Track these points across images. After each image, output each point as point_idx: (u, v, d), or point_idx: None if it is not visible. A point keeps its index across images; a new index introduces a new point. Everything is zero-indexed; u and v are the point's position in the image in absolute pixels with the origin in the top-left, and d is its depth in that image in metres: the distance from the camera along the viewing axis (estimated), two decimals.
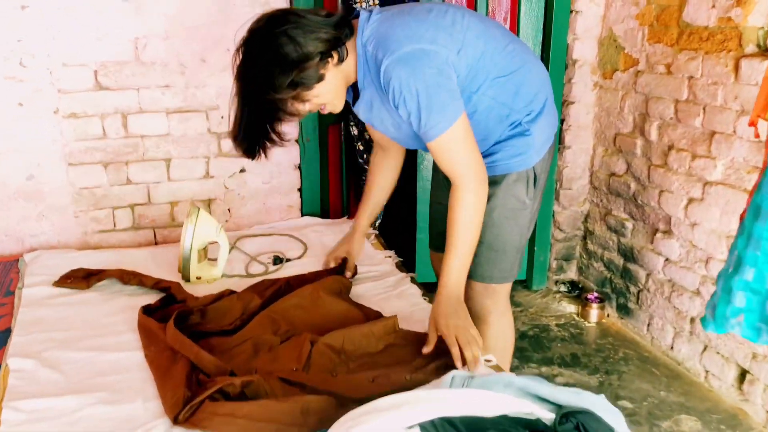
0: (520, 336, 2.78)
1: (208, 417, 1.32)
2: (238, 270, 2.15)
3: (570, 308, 3.00)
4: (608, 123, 2.79)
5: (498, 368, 1.60)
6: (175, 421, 1.34)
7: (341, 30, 1.50)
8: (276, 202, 2.55)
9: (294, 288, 1.91)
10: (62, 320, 1.82)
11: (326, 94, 1.54)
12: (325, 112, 1.61)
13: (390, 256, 2.25)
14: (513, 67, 1.59)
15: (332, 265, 2.04)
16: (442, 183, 1.92)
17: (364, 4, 2.56)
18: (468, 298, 1.83)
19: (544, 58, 2.80)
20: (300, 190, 2.59)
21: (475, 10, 2.70)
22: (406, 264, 2.22)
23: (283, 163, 2.51)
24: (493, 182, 1.65)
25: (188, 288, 2.01)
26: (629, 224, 2.72)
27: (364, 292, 1.97)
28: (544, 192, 2.90)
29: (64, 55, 2.17)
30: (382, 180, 2.00)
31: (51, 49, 2.15)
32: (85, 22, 2.17)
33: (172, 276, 2.05)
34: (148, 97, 2.30)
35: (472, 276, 1.77)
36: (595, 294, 2.91)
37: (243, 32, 1.47)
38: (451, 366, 1.47)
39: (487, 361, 1.61)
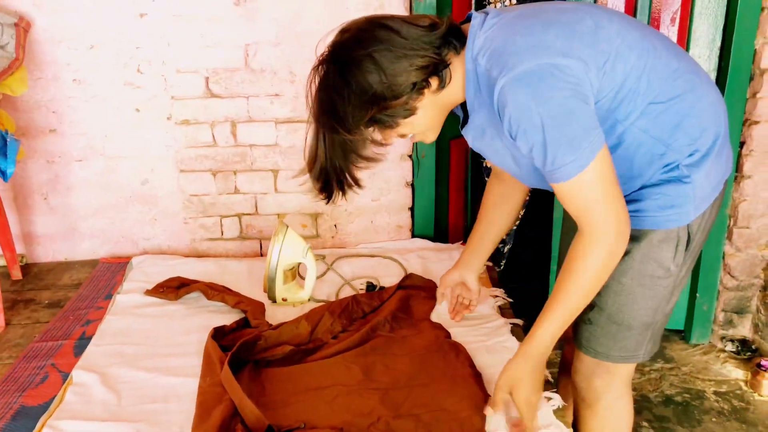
0: (664, 401, 2.31)
1: None
2: (328, 294, 2.00)
3: (736, 373, 2.44)
4: None
5: None
6: None
7: (447, 46, 1.19)
8: (384, 221, 2.36)
9: (391, 320, 1.76)
10: (139, 333, 1.80)
11: (417, 126, 1.26)
12: (415, 141, 1.34)
13: (496, 296, 1.95)
14: (676, 92, 1.19)
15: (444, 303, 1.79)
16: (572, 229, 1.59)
17: (499, 5, 2.27)
18: (575, 371, 1.49)
19: (722, 67, 2.29)
20: (411, 209, 2.37)
21: (636, 8, 2.28)
22: (521, 307, 1.91)
23: (392, 179, 2.31)
24: (632, 238, 1.25)
25: (273, 309, 1.91)
26: None
27: (452, 337, 1.71)
28: (716, 229, 2.45)
29: (177, 61, 2.17)
30: (495, 215, 1.64)
31: (166, 56, 2.16)
32: (197, 28, 2.14)
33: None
34: (257, 106, 2.23)
35: (582, 347, 1.44)
36: None
37: (326, 43, 1.19)
38: None
39: None
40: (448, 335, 1.71)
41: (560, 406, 1.44)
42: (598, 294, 1.30)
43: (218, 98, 2.21)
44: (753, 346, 2.54)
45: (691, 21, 2.28)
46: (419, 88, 1.17)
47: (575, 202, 1.16)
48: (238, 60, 2.17)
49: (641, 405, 2.29)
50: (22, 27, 2.07)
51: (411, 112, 1.20)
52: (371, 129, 1.21)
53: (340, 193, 1.28)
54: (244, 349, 1.61)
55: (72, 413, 1.46)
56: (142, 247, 2.38)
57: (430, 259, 2.20)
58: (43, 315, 2.01)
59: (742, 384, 2.38)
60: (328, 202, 1.30)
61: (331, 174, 1.24)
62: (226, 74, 2.19)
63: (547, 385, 1.50)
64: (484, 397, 1.41)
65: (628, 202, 1.26)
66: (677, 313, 2.66)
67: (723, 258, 2.51)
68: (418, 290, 1.93)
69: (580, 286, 1.20)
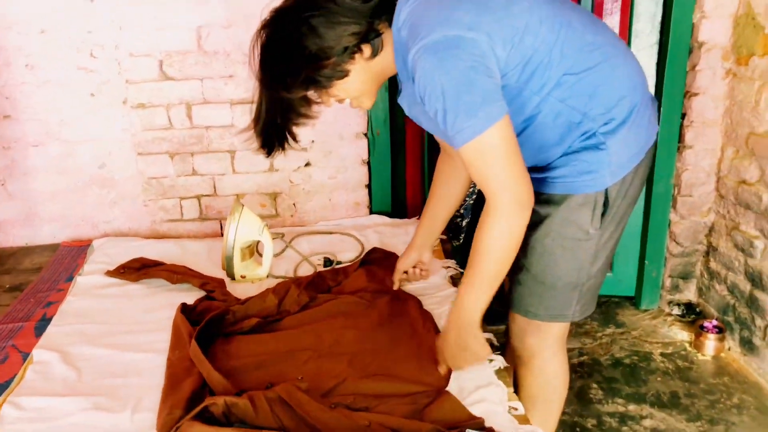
0: (614, 363, 2.42)
1: None
2: (287, 270, 2.05)
3: (682, 335, 2.56)
4: (741, 120, 2.30)
5: (524, 420, 1.34)
6: None
7: (380, 17, 1.27)
8: (342, 199, 2.42)
9: (345, 291, 1.82)
10: (100, 313, 1.83)
11: (351, 91, 1.33)
12: (353, 107, 1.42)
13: (448, 267, 2.02)
14: (589, 63, 1.25)
15: (400, 280, 1.86)
16: None
17: None
18: (511, 332, 1.58)
19: (663, 41, 2.38)
20: (368, 186, 2.43)
21: None
22: None
23: (349, 157, 2.37)
24: (552, 201, 1.35)
25: (233, 286, 1.96)
26: (760, 243, 2.24)
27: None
28: (661, 198, 2.55)
29: (130, 45, 2.19)
30: (444, 190, 1.71)
31: (119, 40, 2.18)
32: (149, 12, 2.16)
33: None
34: (211, 88, 2.26)
35: (514, 307, 1.52)
36: (714, 322, 2.46)
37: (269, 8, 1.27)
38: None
39: (513, 409, 1.36)
40: (418, 303, 1.77)
41: (501, 367, 1.52)
42: (525, 255, 1.40)
43: (172, 81, 2.24)
44: (697, 309, 2.66)
45: None
46: (351, 52, 1.26)
47: (474, 168, 1.21)
48: (191, 42, 2.20)
49: (592, 368, 2.40)
50: None
51: (344, 74, 1.28)
52: (308, 89, 1.29)
53: (280, 148, 1.38)
54: (212, 323, 1.66)
55: (32, 390, 1.49)
56: (102, 230, 2.40)
57: (386, 234, 2.27)
58: (4, 299, 2.04)
59: (687, 345, 2.51)
60: (268, 155, 1.41)
61: (271, 130, 1.34)
62: (179, 57, 2.21)
63: (492, 348, 1.59)
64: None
65: (550, 168, 1.34)
66: (628, 281, 2.77)
67: (669, 226, 2.62)
68: (381, 263, 1.99)
69: (488, 256, 1.25)
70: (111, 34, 2.17)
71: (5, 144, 2.28)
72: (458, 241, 2.57)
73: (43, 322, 1.81)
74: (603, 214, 1.34)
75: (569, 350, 2.43)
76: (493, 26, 1.17)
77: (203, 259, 2.14)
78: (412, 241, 1.84)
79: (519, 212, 1.21)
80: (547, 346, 1.53)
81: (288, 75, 1.25)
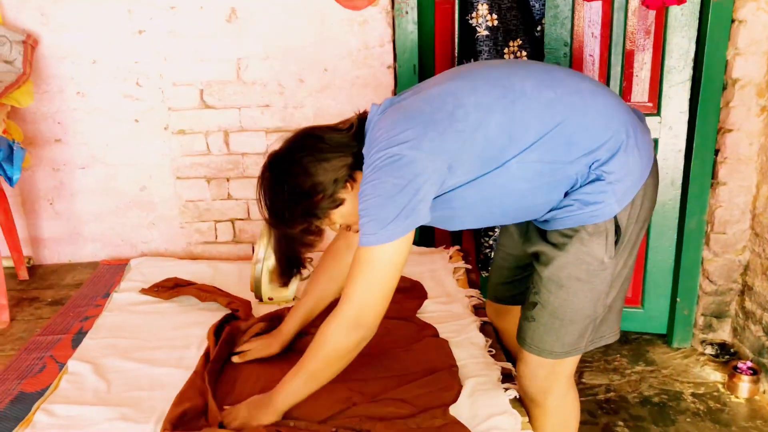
0: (642, 401, 2.37)
1: None
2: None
3: (715, 376, 2.49)
4: None
5: None
6: None
7: (361, 142, 1.37)
8: None
9: None
10: (132, 328, 1.91)
11: (347, 217, 1.40)
12: (354, 232, 1.45)
13: (471, 296, 2.04)
14: (555, 121, 1.30)
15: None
16: (508, 228, 1.66)
17: (480, 19, 2.38)
18: (521, 375, 1.54)
19: (696, 77, 2.37)
20: None
21: (611, 22, 2.36)
22: None
23: None
24: (564, 236, 1.36)
25: (260, 308, 2.02)
26: None
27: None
28: (694, 234, 2.52)
29: (174, 75, 2.31)
30: (325, 278, 1.71)
31: (163, 70, 2.31)
32: (192, 44, 2.29)
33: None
34: (249, 116, 2.36)
35: (526, 346, 1.48)
36: (749, 363, 2.39)
37: (273, 148, 1.41)
38: None
39: None
40: (435, 333, 1.79)
41: (517, 397, 1.53)
42: (539, 292, 1.41)
43: (212, 109, 2.35)
44: (732, 350, 2.59)
45: (665, 33, 2.37)
46: (342, 182, 1.35)
47: (356, 267, 1.31)
48: (231, 73, 2.31)
49: (618, 405, 2.36)
50: (30, 44, 2.23)
51: (339, 203, 1.38)
52: (308, 222, 1.38)
53: (298, 274, 1.55)
54: (227, 344, 1.72)
55: (65, 398, 1.57)
56: (140, 249, 2.51)
57: (411, 263, 2.27)
58: (46, 312, 2.14)
59: (720, 386, 2.44)
60: (284, 285, 1.63)
61: (285, 262, 1.52)
62: (219, 86, 2.32)
63: (508, 379, 1.60)
64: (457, 389, 1.52)
65: (557, 209, 1.35)
66: (659, 318, 2.72)
67: (702, 263, 2.57)
68: (404, 291, 2.01)
69: (314, 353, 1.36)
70: (156, 64, 2.30)
71: (55, 166, 2.42)
72: (487, 272, 2.58)
73: (80, 335, 1.90)
74: (616, 242, 1.35)
75: (596, 386, 2.42)
76: (436, 140, 1.26)
77: (234, 281, 2.21)
78: (279, 329, 1.75)
79: (350, 329, 1.32)
80: (559, 385, 1.51)
81: (287, 211, 1.36)
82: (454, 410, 1.47)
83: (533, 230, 1.45)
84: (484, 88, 1.33)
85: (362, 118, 1.40)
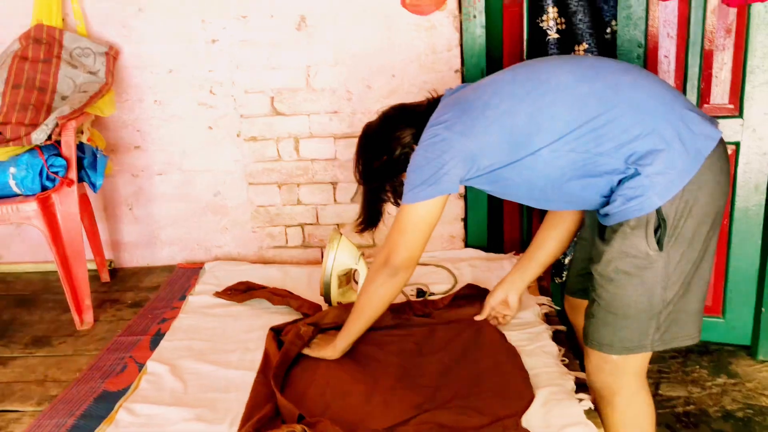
0: (724, 416, 2.26)
1: None
2: None
3: None
4: None
5: None
6: None
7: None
8: (437, 231, 2.40)
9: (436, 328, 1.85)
10: (207, 330, 1.97)
11: None
12: None
13: (542, 304, 2.00)
14: (588, 113, 1.37)
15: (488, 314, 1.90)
16: (586, 220, 1.69)
17: (552, 22, 2.32)
18: (588, 372, 1.55)
19: None
20: (464, 220, 2.46)
21: (689, 20, 2.27)
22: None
23: None
24: (610, 232, 1.41)
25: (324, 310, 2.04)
26: None
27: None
28: None
29: (245, 83, 2.37)
30: (546, 239, 1.78)
31: (235, 78, 2.36)
32: (263, 52, 2.34)
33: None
34: (318, 123, 2.39)
35: (588, 341, 1.50)
36: None
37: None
38: None
39: None
40: (503, 337, 1.77)
41: (591, 408, 1.49)
42: (594, 288, 1.45)
43: (282, 116, 2.39)
44: None
45: (747, 32, 2.25)
46: (410, 148, 1.60)
47: (395, 221, 1.56)
48: (300, 80, 2.35)
49: (699, 419, 2.26)
50: (112, 55, 2.33)
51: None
52: (390, 178, 1.67)
53: (373, 227, 1.80)
54: (289, 350, 1.74)
55: (145, 398, 1.64)
56: (214, 254, 2.58)
57: (480, 269, 2.27)
58: (126, 313, 2.23)
59: None
60: (362, 232, 1.81)
61: (367, 215, 1.77)
62: (289, 93, 2.37)
63: (583, 389, 1.56)
64: (529, 398, 1.51)
65: (605, 206, 1.39)
66: (743, 328, 2.59)
67: None
68: (474, 299, 1.99)
69: (361, 298, 1.66)
70: (228, 72, 2.37)
71: (135, 172, 2.52)
72: (560, 278, 2.53)
73: (158, 337, 1.97)
74: (662, 235, 1.34)
75: (674, 398, 2.32)
76: (468, 123, 1.46)
77: (303, 285, 2.25)
78: (503, 278, 1.88)
79: (381, 266, 1.58)
80: (626, 384, 1.49)
81: (374, 168, 1.66)
82: (527, 420, 1.45)
83: (597, 225, 1.49)
84: (521, 80, 1.48)
85: (435, 99, 1.65)
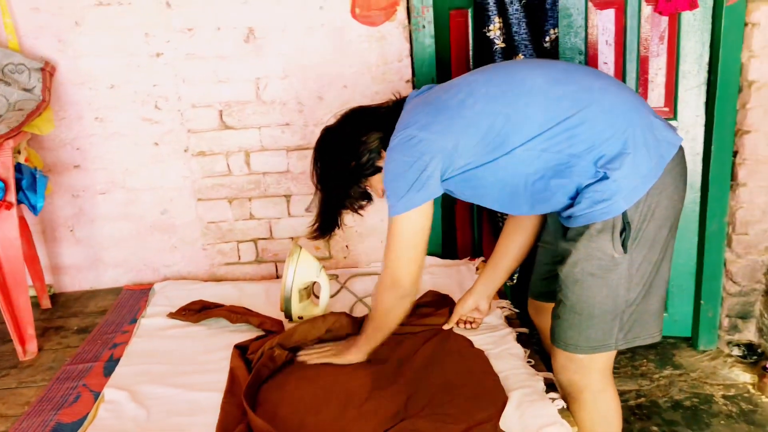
0: (674, 406, 2.36)
1: None
2: (342, 311, 2.09)
3: (744, 377, 2.49)
4: None
5: None
6: None
7: (395, 121, 1.56)
8: None
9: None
10: (165, 353, 1.90)
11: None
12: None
13: (503, 307, 2.03)
14: (561, 115, 1.40)
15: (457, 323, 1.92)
16: (548, 224, 1.74)
17: (498, 32, 2.38)
18: (555, 370, 1.60)
19: (711, 80, 2.38)
20: None
21: (625, 28, 2.38)
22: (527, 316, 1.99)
23: None
24: (576, 233, 1.45)
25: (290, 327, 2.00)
26: None
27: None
28: (715, 236, 2.52)
29: (192, 97, 2.31)
30: (509, 246, 1.82)
31: (181, 92, 2.30)
32: (210, 65, 2.28)
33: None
34: (269, 135, 2.35)
35: (554, 341, 1.55)
36: None
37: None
38: None
39: None
40: (469, 343, 1.80)
41: (565, 407, 1.52)
42: (561, 289, 1.49)
43: (232, 129, 2.34)
44: (759, 350, 2.59)
45: (678, 38, 2.39)
46: (377, 152, 1.59)
47: (387, 238, 1.54)
48: (250, 93, 2.30)
49: (651, 410, 2.35)
50: (48, 71, 2.22)
51: (375, 170, 1.60)
52: (352, 183, 1.65)
53: (330, 233, 1.76)
54: (261, 371, 1.70)
55: (105, 428, 1.55)
56: (162, 274, 2.49)
57: (438, 275, 2.29)
58: (73, 340, 2.12)
59: (750, 387, 2.43)
60: (319, 238, 1.77)
61: (325, 221, 1.73)
62: (238, 107, 2.32)
63: (553, 389, 1.60)
64: (503, 399, 1.53)
65: (570, 207, 1.43)
66: (683, 321, 2.72)
67: (724, 265, 2.58)
68: (435, 305, 2.01)
69: (376, 316, 1.64)
70: (174, 87, 2.30)
71: (75, 192, 2.40)
72: (512, 281, 2.58)
73: (111, 363, 1.88)
74: (626, 238, 1.39)
75: (626, 392, 2.40)
76: (444, 122, 1.45)
77: (261, 301, 2.20)
78: (472, 287, 1.92)
79: (389, 289, 1.57)
80: (592, 381, 1.54)
81: (335, 173, 1.64)
82: (504, 423, 1.46)
83: (560, 228, 1.53)
84: (496, 81, 1.49)
85: (400, 101, 1.63)
